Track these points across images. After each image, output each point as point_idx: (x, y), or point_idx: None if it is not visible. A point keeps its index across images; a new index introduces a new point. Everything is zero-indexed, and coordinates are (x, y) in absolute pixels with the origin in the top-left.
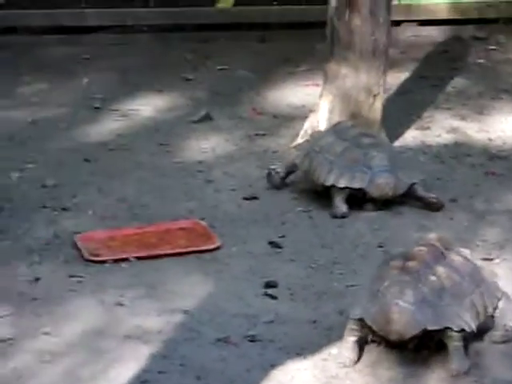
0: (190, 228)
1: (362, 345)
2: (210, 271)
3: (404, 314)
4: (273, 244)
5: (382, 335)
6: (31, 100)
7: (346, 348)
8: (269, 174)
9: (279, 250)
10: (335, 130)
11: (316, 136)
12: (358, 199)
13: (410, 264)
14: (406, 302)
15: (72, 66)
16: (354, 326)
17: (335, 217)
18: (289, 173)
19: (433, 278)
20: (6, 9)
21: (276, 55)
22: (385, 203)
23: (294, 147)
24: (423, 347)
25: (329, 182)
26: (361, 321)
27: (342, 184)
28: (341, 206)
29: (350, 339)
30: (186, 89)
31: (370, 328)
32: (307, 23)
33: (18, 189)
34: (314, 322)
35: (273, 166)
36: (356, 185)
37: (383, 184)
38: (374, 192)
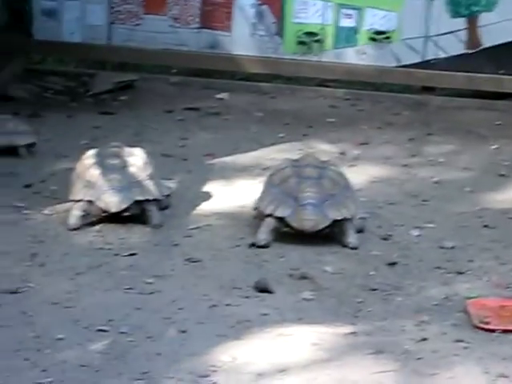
0: None
1: None
2: None
3: None
4: None
5: None
6: (438, 160)
7: None
8: None
9: None
10: None
11: None
12: None
13: None
14: None
15: (483, 130)
16: None
17: None
18: None
19: None
20: (427, 69)
21: None
22: None
23: None
24: None
25: None
26: None
27: None
28: None
29: None
30: None
31: None
32: None
33: (416, 247)
34: None
35: None
36: None
37: None
38: None
